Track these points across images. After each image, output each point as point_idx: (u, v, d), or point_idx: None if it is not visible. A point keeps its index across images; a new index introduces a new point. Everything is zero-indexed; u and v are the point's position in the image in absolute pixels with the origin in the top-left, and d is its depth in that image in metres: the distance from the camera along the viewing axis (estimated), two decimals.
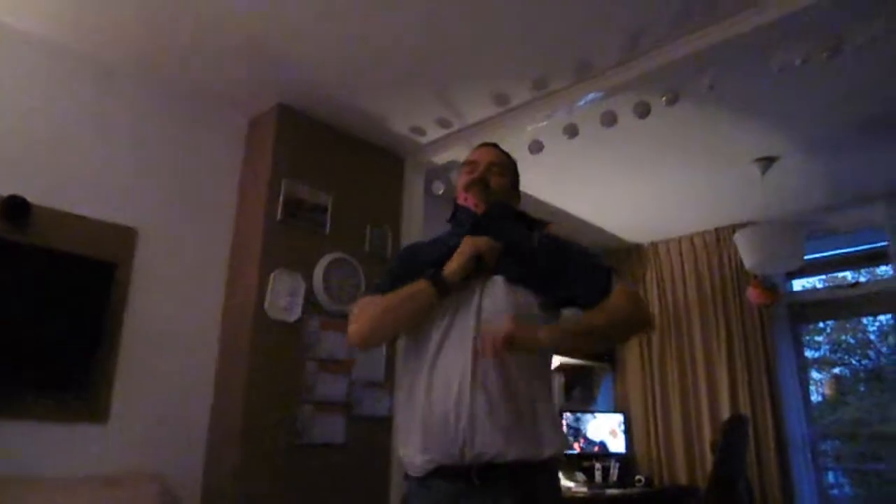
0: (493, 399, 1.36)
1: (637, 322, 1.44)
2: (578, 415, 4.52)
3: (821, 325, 4.28)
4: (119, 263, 2.49)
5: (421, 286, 1.42)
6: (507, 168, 1.63)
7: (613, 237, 4.75)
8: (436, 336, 1.44)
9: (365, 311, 1.46)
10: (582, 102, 2.80)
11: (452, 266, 1.44)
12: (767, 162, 3.38)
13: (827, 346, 4.25)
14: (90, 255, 2.39)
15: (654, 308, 4.65)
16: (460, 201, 1.60)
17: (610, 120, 2.83)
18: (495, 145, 1.67)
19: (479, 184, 1.57)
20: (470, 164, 1.62)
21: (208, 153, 2.92)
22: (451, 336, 1.42)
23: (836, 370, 4.15)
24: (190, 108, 2.88)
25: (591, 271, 1.48)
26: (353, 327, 1.46)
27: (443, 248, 1.52)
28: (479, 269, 1.45)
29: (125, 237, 2.55)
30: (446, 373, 1.40)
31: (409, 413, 1.45)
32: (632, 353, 4.76)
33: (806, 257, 3.52)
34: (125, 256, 2.53)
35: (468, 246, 1.46)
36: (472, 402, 1.35)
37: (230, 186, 2.98)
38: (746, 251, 3.48)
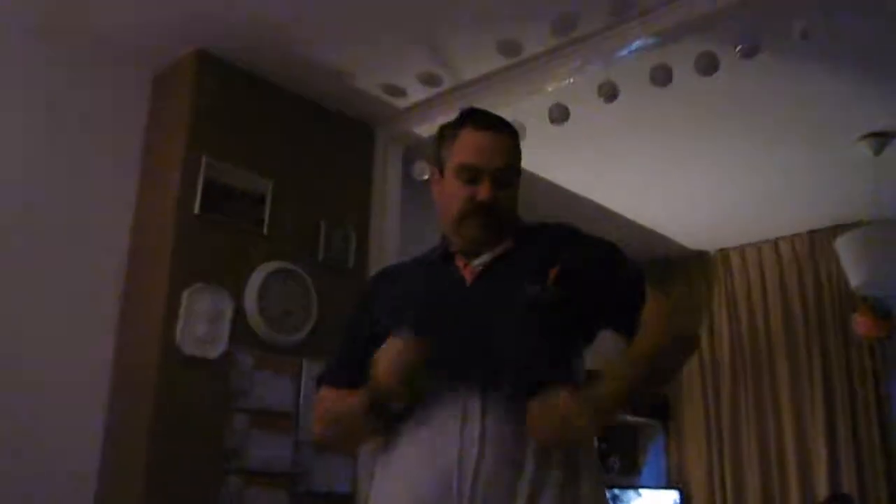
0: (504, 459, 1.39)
1: (686, 345, 1.56)
2: (616, 491, 4.52)
3: None
4: None
5: (354, 404, 1.50)
6: (516, 164, 1.62)
7: (667, 242, 4.79)
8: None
9: (319, 412, 1.66)
10: (623, 52, 2.79)
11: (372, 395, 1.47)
12: (882, 139, 3.40)
13: None
14: None
15: (724, 341, 4.68)
16: (449, 232, 1.61)
17: (663, 77, 2.82)
18: (497, 125, 1.62)
19: (485, 215, 1.55)
20: (466, 169, 1.56)
21: (95, 122, 2.91)
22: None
23: None
24: (72, 62, 2.87)
25: (623, 289, 1.56)
26: (314, 421, 1.68)
27: (418, 286, 1.62)
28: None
29: None
30: (441, 422, 1.43)
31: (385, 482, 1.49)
32: (691, 405, 4.78)
33: None
34: None
35: (375, 382, 1.44)
36: (479, 463, 1.38)
37: (128, 167, 2.97)
38: (852, 263, 3.50)
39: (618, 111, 3.14)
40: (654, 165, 3.82)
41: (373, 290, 1.74)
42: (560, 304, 1.50)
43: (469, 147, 1.57)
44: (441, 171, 1.63)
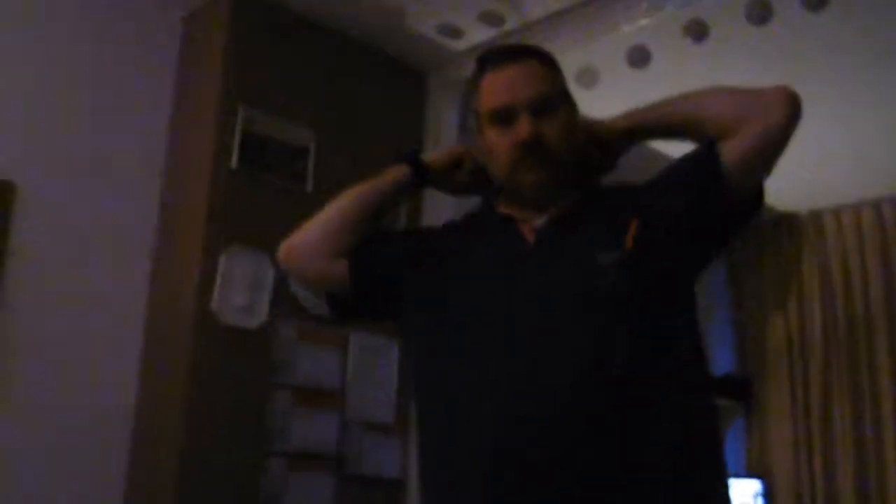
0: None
1: (788, 98, 1.51)
2: None
3: None
4: None
5: (390, 171, 1.68)
6: (554, 90, 1.54)
7: None
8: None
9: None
10: None
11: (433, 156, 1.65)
12: None
13: None
14: None
15: (815, 316, 4.62)
16: (509, 189, 1.55)
17: (759, 13, 2.77)
18: (516, 55, 1.55)
19: (535, 152, 1.47)
20: (497, 112, 1.49)
21: (123, 72, 2.92)
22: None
23: None
24: (91, 9, 2.88)
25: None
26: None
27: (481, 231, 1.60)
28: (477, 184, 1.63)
29: None
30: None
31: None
32: (777, 385, 4.74)
33: None
34: None
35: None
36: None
37: (157, 120, 2.97)
38: None
39: (707, 53, 3.09)
40: None
41: (426, 233, 1.78)
42: (646, 269, 1.42)
43: (493, 90, 1.51)
44: (478, 125, 1.55)
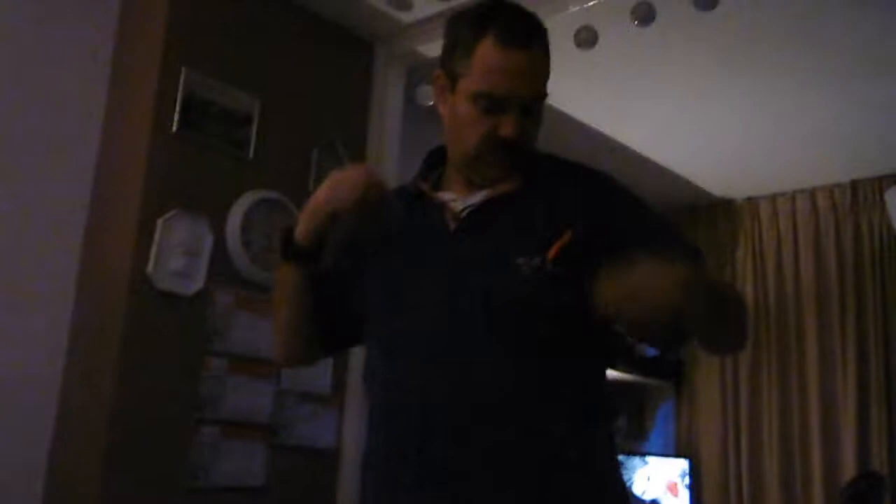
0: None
1: (746, 333, 1.47)
2: (621, 457, 4.56)
3: None
4: None
5: (281, 270, 1.58)
6: (546, 86, 1.45)
7: (690, 187, 4.77)
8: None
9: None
10: None
11: (300, 227, 1.49)
12: None
13: None
14: None
15: (747, 298, 4.67)
16: (458, 163, 1.49)
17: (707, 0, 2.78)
18: (530, 40, 1.40)
19: (509, 152, 1.41)
20: (487, 97, 1.38)
21: (59, 28, 2.84)
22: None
23: None
24: None
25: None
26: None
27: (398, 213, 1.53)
28: (365, 231, 1.47)
29: None
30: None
31: None
32: (707, 366, 4.82)
33: None
34: None
35: (316, 197, 1.47)
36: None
37: (94, 80, 2.90)
38: None
39: (650, 38, 3.10)
40: (684, 101, 3.79)
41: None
42: (562, 284, 1.34)
43: (493, 71, 1.37)
44: (452, 83, 1.44)
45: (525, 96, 1.39)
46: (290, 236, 1.50)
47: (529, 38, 1.39)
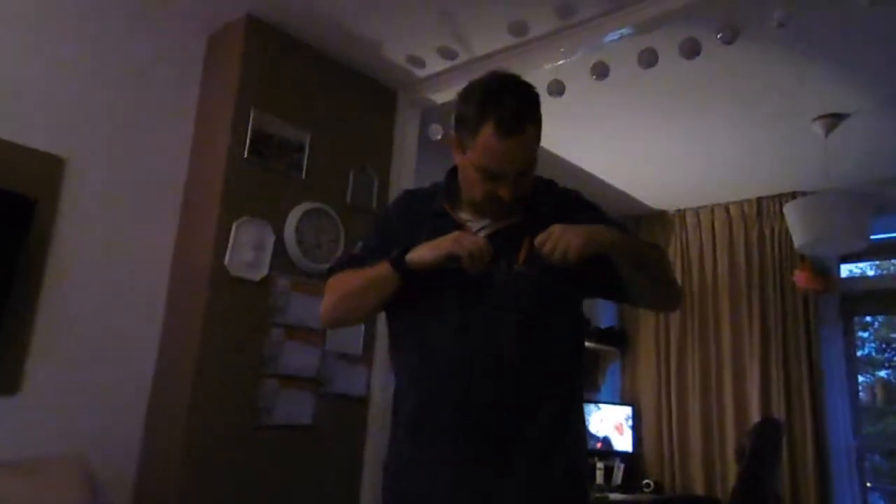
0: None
1: (676, 288, 1.52)
2: None
3: (867, 319, 4.27)
4: (40, 199, 2.35)
5: (383, 271, 1.40)
6: (536, 153, 1.39)
7: (633, 201, 4.73)
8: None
9: (333, 290, 1.49)
10: (615, 36, 2.71)
11: (422, 255, 1.36)
12: (833, 119, 3.29)
13: (873, 345, 4.26)
14: (1, 186, 2.24)
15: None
16: (467, 201, 1.45)
17: (650, 59, 2.74)
18: (521, 129, 1.32)
19: (506, 207, 1.38)
20: (486, 170, 1.34)
21: (159, 74, 2.83)
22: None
23: (883, 373, 4.16)
24: (138, 20, 2.78)
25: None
26: (323, 305, 1.52)
27: (427, 214, 1.50)
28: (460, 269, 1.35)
29: (50, 167, 2.43)
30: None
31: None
32: (645, 336, 4.79)
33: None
34: (49, 191, 2.42)
35: (448, 243, 1.34)
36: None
37: (186, 115, 2.90)
38: (798, 226, 3.41)
39: (606, 87, 3.08)
40: (632, 134, 3.74)
41: (401, 200, 1.61)
42: (536, 282, 1.36)
43: (491, 154, 1.32)
44: (462, 149, 1.39)
45: (518, 171, 1.35)
46: (403, 254, 1.39)
47: (522, 124, 1.32)
